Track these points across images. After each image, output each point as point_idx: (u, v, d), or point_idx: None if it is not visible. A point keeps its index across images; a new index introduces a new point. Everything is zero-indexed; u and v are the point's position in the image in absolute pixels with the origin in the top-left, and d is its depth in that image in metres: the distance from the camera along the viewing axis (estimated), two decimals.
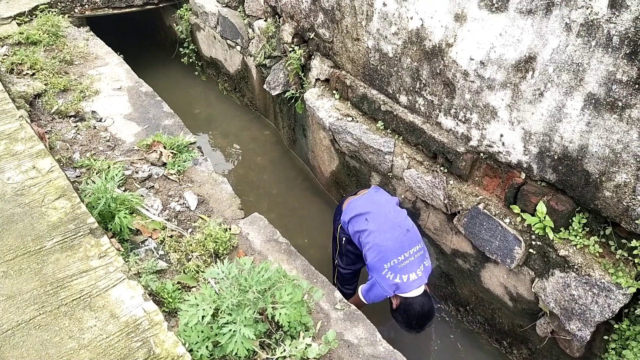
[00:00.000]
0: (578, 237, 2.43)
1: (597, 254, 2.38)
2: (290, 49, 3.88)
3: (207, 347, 1.85)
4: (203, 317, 1.84)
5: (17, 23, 4.54)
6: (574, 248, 2.44)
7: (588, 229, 2.45)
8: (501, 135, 2.61)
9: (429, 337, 3.44)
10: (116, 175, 2.71)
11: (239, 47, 4.79)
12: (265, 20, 4.18)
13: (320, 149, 4.08)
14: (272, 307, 1.97)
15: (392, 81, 3.14)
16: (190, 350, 1.84)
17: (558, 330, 2.70)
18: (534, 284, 2.66)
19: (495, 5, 2.33)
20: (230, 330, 1.85)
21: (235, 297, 1.88)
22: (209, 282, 2.25)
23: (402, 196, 3.35)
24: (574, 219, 2.45)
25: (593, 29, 2.01)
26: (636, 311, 2.29)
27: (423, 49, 2.81)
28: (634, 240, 2.20)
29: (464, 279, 3.25)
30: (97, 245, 2.16)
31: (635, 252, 2.21)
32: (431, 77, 2.85)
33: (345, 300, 2.47)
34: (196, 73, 5.85)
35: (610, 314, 2.32)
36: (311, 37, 3.71)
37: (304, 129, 4.32)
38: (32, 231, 2.20)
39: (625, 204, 2.19)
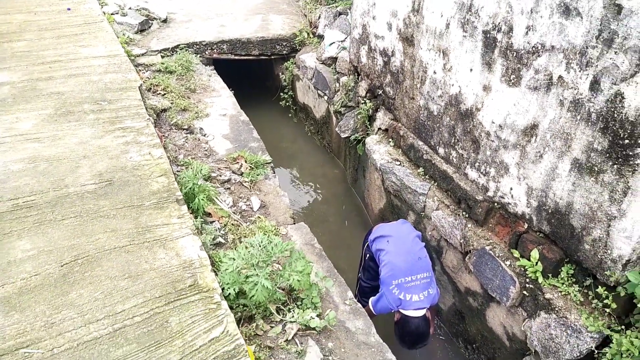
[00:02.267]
0: (564, 285, 2.76)
1: (578, 302, 2.69)
2: (362, 102, 4.65)
3: (234, 289, 2.51)
4: (236, 267, 2.52)
5: (161, 56, 5.87)
6: (559, 293, 2.77)
7: (574, 279, 2.78)
8: (511, 189, 3.07)
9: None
10: (202, 169, 3.58)
11: (325, 97, 5.68)
12: (348, 77, 5.02)
13: (373, 188, 4.71)
14: (289, 274, 2.60)
15: (434, 135, 3.74)
16: (222, 289, 2.52)
17: None
18: (523, 323, 2.98)
19: (512, 81, 2.89)
20: (254, 281, 2.51)
21: (262, 258, 2.55)
22: (246, 246, 2.94)
23: (429, 234, 3.84)
24: (562, 268, 2.80)
25: (578, 106, 2.49)
26: (603, 358, 2.55)
27: (459, 110, 3.40)
28: (606, 291, 2.52)
29: (472, 317, 3.60)
30: (179, 210, 2.97)
31: (606, 301, 2.52)
32: (463, 135, 3.41)
33: (354, 299, 3.01)
34: (290, 115, 6.86)
35: (578, 354, 2.60)
36: (379, 93, 4.46)
37: (363, 170, 4.99)
38: (138, 193, 3.08)
39: (599, 257, 2.54)
